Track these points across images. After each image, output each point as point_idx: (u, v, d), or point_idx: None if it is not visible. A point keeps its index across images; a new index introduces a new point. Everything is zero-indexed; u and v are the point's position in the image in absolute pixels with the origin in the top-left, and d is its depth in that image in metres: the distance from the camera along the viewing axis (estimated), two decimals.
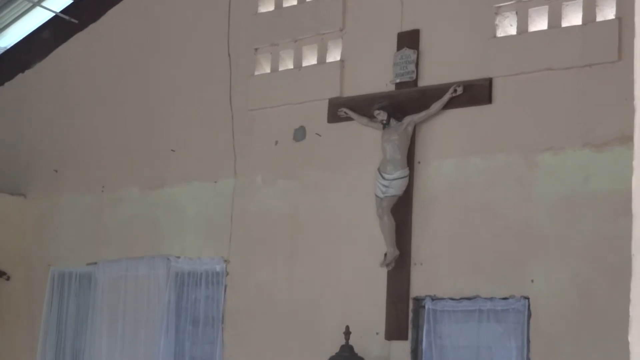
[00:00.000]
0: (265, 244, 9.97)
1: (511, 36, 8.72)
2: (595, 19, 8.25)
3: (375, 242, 8.96)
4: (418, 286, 8.83)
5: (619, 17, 8.04)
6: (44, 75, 12.46)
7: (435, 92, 8.91)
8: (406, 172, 8.91)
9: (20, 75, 12.73)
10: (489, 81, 8.67)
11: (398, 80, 9.25)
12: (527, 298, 8.17)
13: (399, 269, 8.89)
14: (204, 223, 10.54)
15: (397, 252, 8.86)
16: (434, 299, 8.68)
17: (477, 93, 8.71)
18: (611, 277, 7.58)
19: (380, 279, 8.98)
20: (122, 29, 11.79)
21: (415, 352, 8.77)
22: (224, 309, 10.16)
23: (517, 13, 8.69)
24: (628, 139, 6.82)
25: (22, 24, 12.63)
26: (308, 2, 10.14)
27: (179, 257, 10.60)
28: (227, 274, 10.21)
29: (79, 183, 11.80)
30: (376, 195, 8.98)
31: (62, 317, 11.64)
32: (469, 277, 8.53)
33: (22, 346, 11.93)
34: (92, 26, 12.05)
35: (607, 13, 8.20)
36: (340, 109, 9.53)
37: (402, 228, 8.91)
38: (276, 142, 10.09)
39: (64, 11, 12.12)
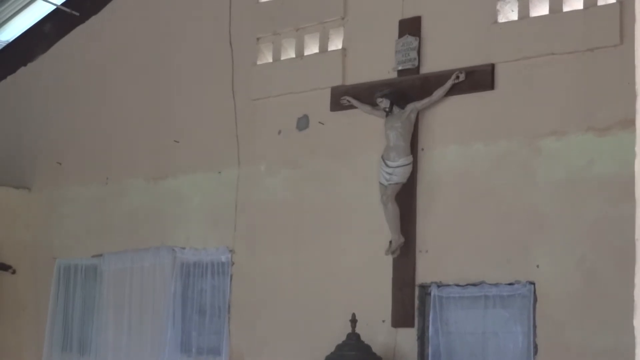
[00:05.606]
0: (270, 233, 9.97)
1: (513, 21, 8.70)
2: (596, 3, 8.22)
3: (380, 229, 8.96)
4: (423, 273, 8.83)
5: (620, 1, 8.01)
6: (46, 68, 12.46)
7: (438, 79, 8.90)
8: (410, 159, 8.90)
9: (22, 69, 12.74)
10: (491, 67, 8.66)
11: (400, 68, 9.24)
12: (532, 283, 8.17)
13: (404, 256, 8.89)
14: (209, 213, 10.54)
15: (402, 240, 8.86)
16: (439, 285, 8.68)
17: (480, 79, 8.70)
18: (616, 261, 7.58)
19: (385, 266, 8.98)
20: (123, 20, 11.78)
21: (422, 339, 8.78)
22: (230, 298, 10.18)
23: None
24: (630, 123, 6.82)
25: (24, 17, 12.63)
26: None
27: (184, 248, 10.62)
28: (233, 263, 10.22)
29: (83, 175, 11.81)
30: (380, 183, 8.98)
31: (69, 309, 11.67)
32: (474, 263, 8.53)
33: (28, 339, 11.96)
34: (93, 18, 12.05)
35: None
36: (343, 97, 9.52)
37: (407, 215, 8.91)
38: (279, 131, 10.09)
39: (65, 4, 12.11)
